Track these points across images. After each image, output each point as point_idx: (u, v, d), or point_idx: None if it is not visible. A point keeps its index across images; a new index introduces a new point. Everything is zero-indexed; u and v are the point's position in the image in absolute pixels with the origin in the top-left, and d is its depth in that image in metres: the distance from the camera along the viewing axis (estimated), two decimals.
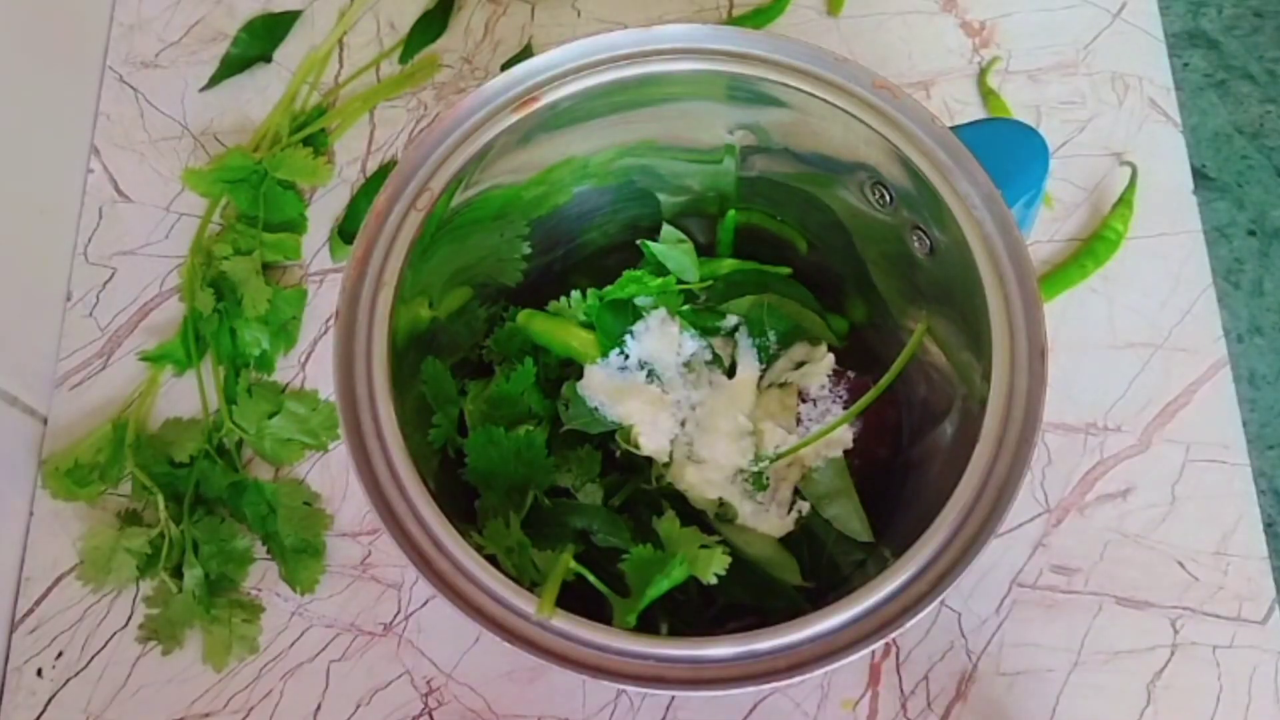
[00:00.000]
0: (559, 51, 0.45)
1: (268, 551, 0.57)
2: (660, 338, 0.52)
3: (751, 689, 0.38)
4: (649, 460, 0.52)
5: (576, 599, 0.40)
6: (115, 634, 0.56)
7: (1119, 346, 0.59)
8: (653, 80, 0.46)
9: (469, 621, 0.39)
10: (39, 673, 0.55)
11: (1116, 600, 0.54)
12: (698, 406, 0.52)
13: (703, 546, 0.43)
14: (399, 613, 0.56)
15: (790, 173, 0.51)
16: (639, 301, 0.53)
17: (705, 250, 0.55)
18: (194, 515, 0.56)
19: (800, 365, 0.54)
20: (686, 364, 0.53)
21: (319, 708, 0.54)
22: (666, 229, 0.54)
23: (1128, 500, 0.56)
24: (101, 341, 0.62)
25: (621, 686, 0.41)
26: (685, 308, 0.54)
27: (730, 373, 0.54)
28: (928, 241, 0.47)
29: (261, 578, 0.56)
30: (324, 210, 0.64)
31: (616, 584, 0.43)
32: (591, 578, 0.43)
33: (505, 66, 0.66)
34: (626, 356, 0.52)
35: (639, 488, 0.52)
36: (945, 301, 0.47)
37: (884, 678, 0.53)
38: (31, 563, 0.57)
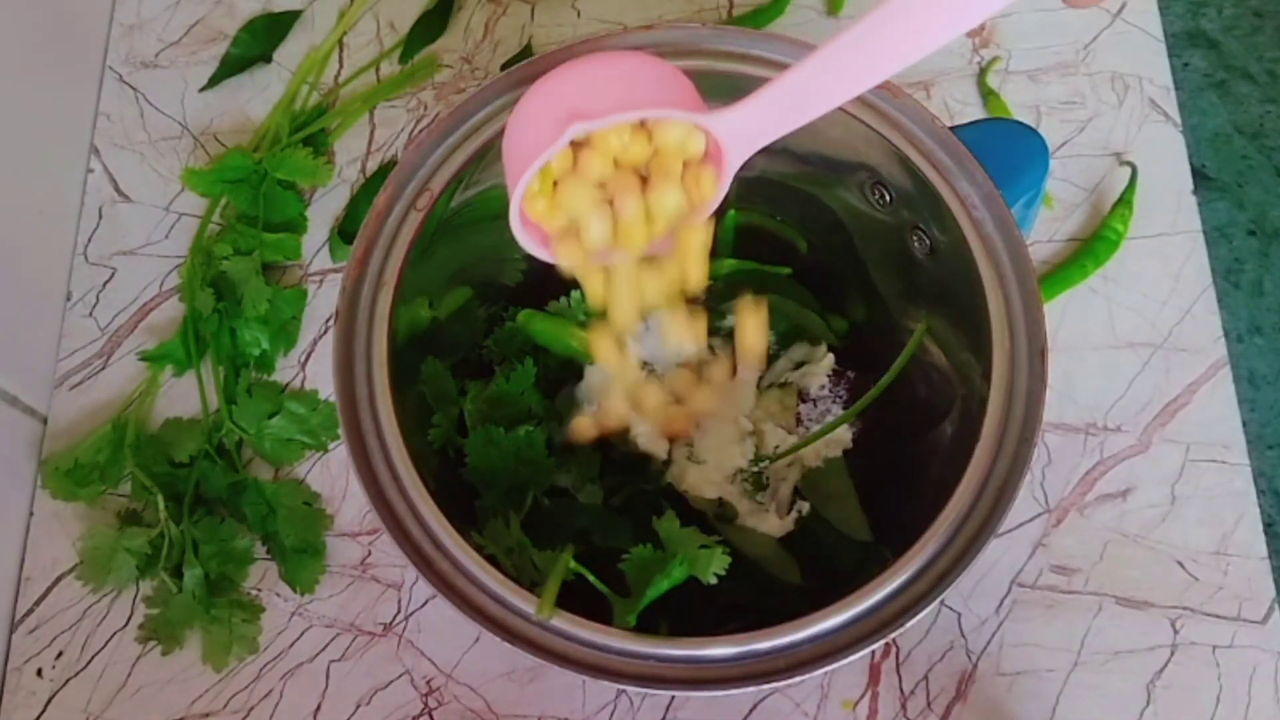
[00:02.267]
0: (559, 52, 0.45)
1: (268, 551, 0.57)
2: (660, 338, 0.52)
3: (751, 689, 0.38)
4: (649, 460, 0.52)
5: (576, 599, 0.40)
6: (115, 634, 0.56)
7: (1119, 346, 0.59)
8: None
9: (469, 621, 0.39)
10: (39, 673, 0.55)
11: (1116, 600, 0.54)
12: None
13: (703, 546, 0.43)
14: (399, 613, 0.56)
15: (790, 173, 0.51)
16: None
17: None
18: (194, 515, 0.56)
19: (800, 365, 0.54)
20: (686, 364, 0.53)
21: (319, 708, 0.54)
22: None
23: (1128, 500, 0.56)
24: (101, 341, 0.62)
25: (621, 686, 0.41)
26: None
27: (730, 373, 0.54)
28: (928, 241, 0.47)
29: (261, 578, 0.56)
30: (324, 210, 0.64)
31: (616, 584, 0.43)
32: (591, 578, 0.43)
33: (505, 66, 0.66)
34: None
35: (639, 488, 0.52)
36: (945, 301, 0.47)
37: (884, 678, 0.53)
38: (31, 563, 0.57)
